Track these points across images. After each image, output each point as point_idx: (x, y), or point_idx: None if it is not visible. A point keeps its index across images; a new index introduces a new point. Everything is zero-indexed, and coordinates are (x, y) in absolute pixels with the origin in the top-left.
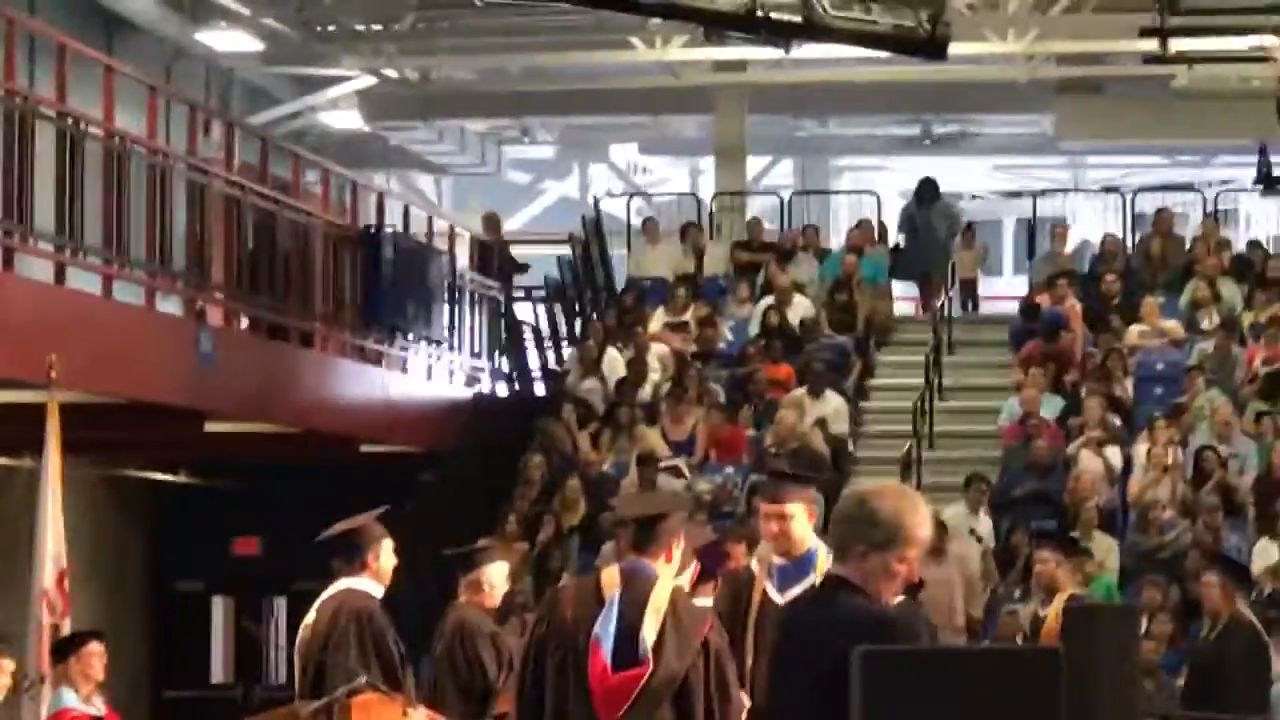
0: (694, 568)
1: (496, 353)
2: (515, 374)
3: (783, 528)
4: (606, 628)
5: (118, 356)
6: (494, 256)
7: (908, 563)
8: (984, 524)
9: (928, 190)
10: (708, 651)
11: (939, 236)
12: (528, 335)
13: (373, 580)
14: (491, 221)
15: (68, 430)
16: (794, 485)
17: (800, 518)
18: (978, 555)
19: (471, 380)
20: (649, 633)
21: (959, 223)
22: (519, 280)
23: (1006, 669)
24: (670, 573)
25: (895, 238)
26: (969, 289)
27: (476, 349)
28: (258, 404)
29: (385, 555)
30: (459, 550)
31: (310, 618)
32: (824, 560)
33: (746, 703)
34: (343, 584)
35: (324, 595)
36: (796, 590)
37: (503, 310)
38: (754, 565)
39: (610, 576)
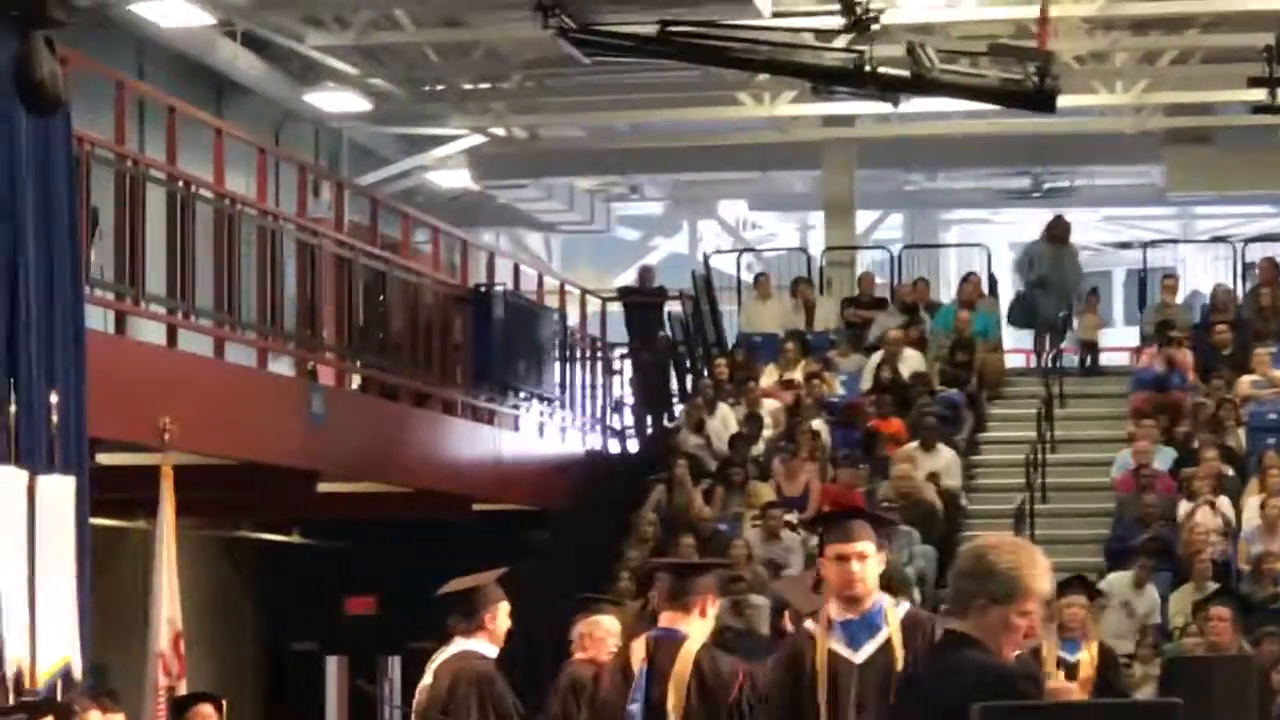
0: None
1: (609, 410)
2: (627, 430)
3: (860, 571)
4: (636, 706)
5: (230, 418)
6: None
7: (1028, 616)
8: (1146, 599)
9: (1062, 229)
10: (741, 710)
11: (1068, 282)
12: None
13: (488, 641)
14: (648, 273)
15: (181, 491)
16: (866, 524)
17: (873, 560)
18: (1122, 628)
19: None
20: (673, 705)
21: (1082, 270)
22: (624, 337)
23: None
24: (702, 630)
25: (1015, 280)
26: (1090, 350)
27: (589, 407)
28: (370, 464)
29: (502, 617)
30: (580, 596)
31: (427, 680)
32: (892, 612)
33: None
34: (459, 646)
35: (440, 657)
36: (871, 647)
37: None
38: (809, 625)
39: (638, 649)
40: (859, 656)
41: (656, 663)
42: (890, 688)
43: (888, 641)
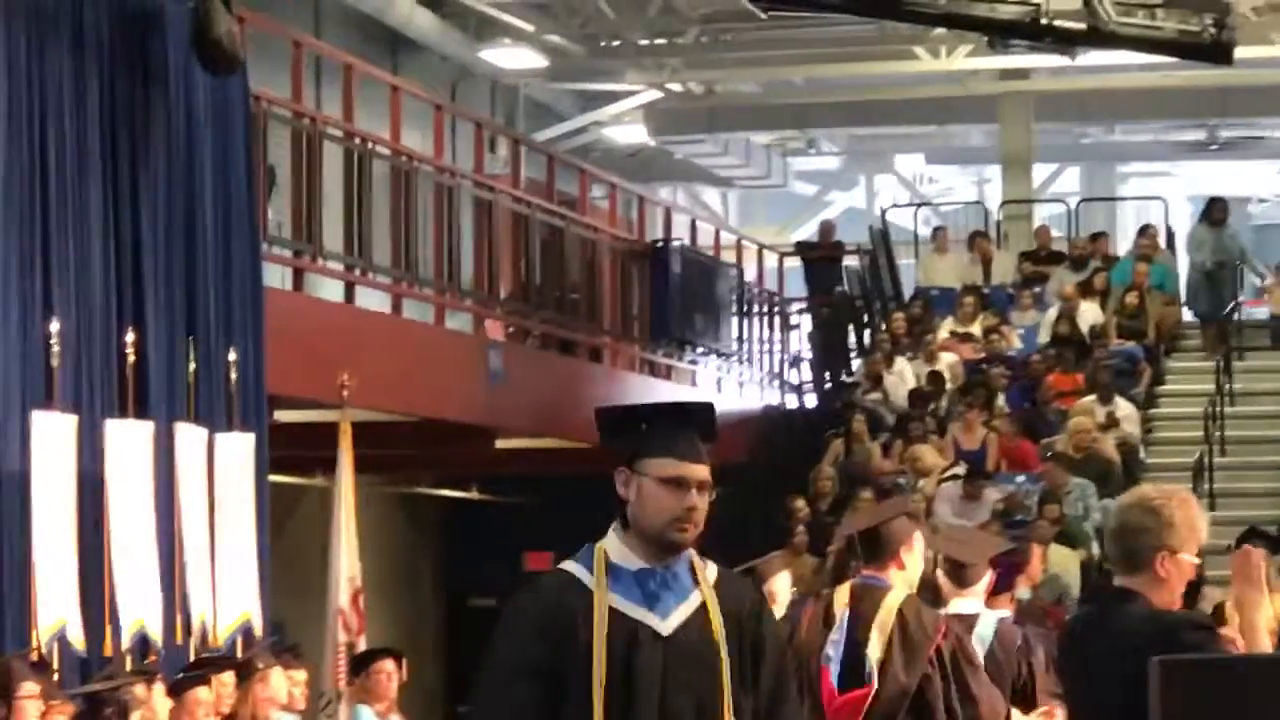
0: (989, 578)
1: (787, 365)
2: (805, 385)
3: (702, 507)
4: (835, 649)
5: (408, 374)
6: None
7: (1192, 566)
8: None
9: (1219, 212)
10: (942, 661)
11: (1233, 261)
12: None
13: None
14: (828, 228)
15: (359, 448)
16: (708, 444)
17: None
18: None
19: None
20: (874, 650)
21: (1243, 248)
22: (801, 292)
23: None
24: (904, 581)
25: (1185, 258)
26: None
27: (767, 362)
28: (547, 419)
29: None
30: (743, 566)
31: None
32: (701, 568)
33: (1002, 707)
34: None
35: None
36: (680, 614)
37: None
38: (576, 570)
39: (841, 595)
40: (666, 625)
41: (859, 609)
42: (717, 680)
43: (702, 608)
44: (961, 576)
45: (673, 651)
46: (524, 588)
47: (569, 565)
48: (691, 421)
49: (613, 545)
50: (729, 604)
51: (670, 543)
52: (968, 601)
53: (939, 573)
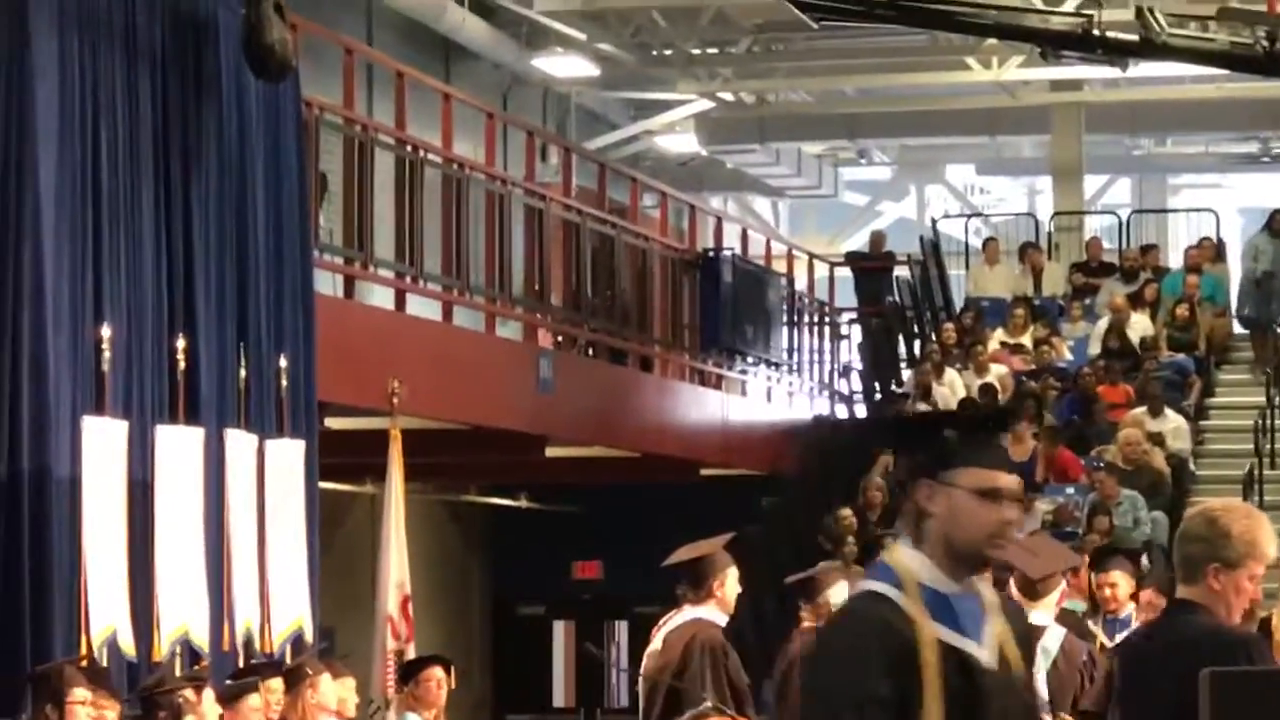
0: (1062, 589)
1: (837, 375)
2: (855, 396)
3: (1019, 522)
4: None
5: (458, 382)
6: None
7: (1255, 581)
8: None
9: None
10: None
11: None
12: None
13: (718, 609)
14: (879, 239)
15: (409, 456)
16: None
17: None
18: None
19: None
20: None
21: None
22: (851, 302)
23: None
24: None
25: (1239, 266)
26: None
27: (817, 372)
28: (598, 428)
29: (730, 584)
30: (799, 576)
31: (656, 645)
32: (982, 586)
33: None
34: (689, 614)
35: (670, 624)
36: (993, 640)
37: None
38: (892, 594)
39: None
40: (988, 654)
41: None
42: (1030, 708)
43: (1001, 632)
44: (1033, 589)
45: (997, 683)
46: (843, 617)
47: (883, 588)
48: (998, 428)
49: (918, 564)
50: (1014, 624)
51: (986, 560)
52: (1038, 613)
53: (1011, 584)
